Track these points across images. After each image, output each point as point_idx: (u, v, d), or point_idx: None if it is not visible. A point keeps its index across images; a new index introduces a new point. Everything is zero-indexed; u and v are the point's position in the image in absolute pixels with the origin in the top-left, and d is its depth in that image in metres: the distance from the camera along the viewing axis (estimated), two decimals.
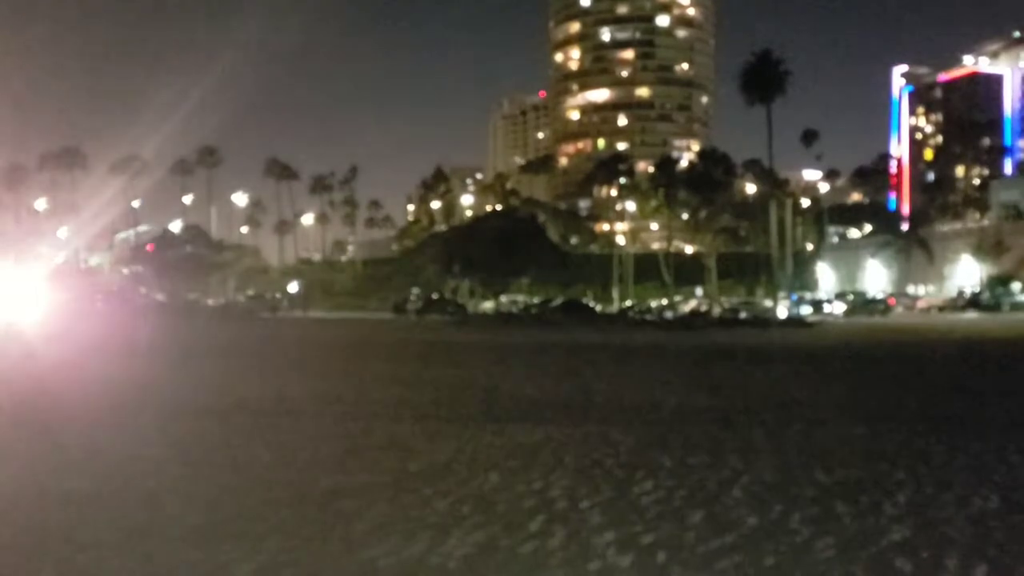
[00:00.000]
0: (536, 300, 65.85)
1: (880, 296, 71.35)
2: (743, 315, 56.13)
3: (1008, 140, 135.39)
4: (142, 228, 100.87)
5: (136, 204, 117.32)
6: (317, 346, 25.87)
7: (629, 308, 72.32)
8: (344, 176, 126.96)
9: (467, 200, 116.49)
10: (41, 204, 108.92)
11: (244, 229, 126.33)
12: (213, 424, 9.96)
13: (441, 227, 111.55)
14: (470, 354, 22.61)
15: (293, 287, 72.16)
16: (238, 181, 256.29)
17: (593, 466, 7.70)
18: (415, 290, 70.07)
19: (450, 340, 29.68)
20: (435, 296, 63.64)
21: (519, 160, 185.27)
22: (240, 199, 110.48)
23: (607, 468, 7.60)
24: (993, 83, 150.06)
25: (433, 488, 6.72)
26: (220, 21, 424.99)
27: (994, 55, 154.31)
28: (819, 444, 8.80)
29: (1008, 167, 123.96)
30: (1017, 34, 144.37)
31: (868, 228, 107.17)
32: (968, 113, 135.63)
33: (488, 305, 63.06)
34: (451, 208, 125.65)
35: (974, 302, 66.63)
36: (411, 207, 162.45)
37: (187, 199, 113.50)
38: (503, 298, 64.54)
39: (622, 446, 8.62)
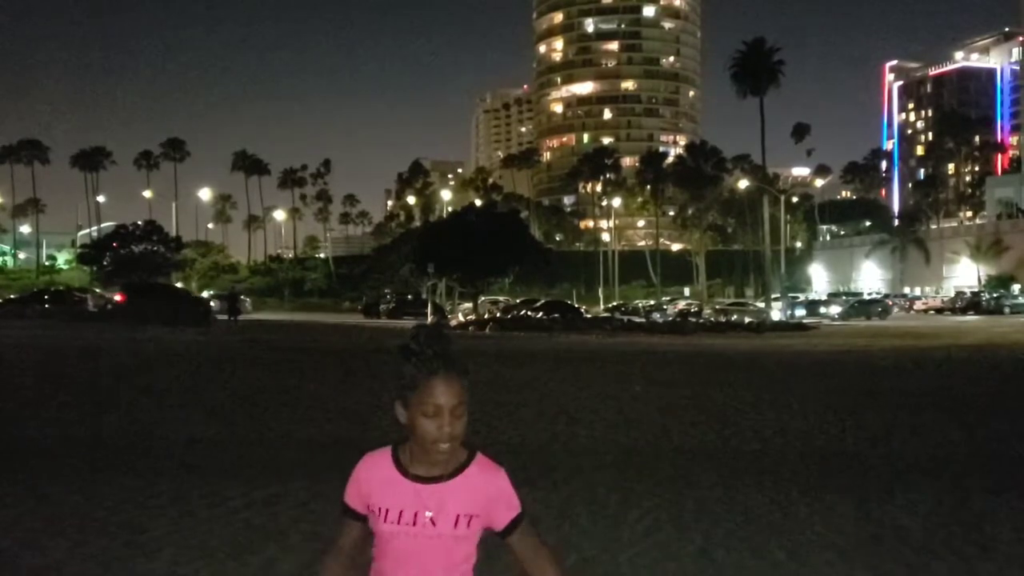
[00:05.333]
0: (518, 300, 62.45)
1: (878, 297, 68.54)
2: (735, 317, 53.03)
3: (1000, 136, 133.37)
4: (105, 224, 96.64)
5: (101, 199, 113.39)
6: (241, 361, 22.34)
7: (616, 309, 69.08)
8: (317, 169, 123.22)
9: (447, 195, 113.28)
10: None
11: (210, 225, 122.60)
12: None
13: (419, 223, 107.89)
14: None
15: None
16: (208, 176, 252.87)
17: None
18: (388, 290, 66.62)
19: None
20: (410, 297, 60.12)
21: (502, 154, 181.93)
22: (205, 194, 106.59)
23: None
24: (984, 78, 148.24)
25: None
26: (193, 11, 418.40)
27: (984, 51, 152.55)
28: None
29: (1000, 163, 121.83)
30: (1007, 29, 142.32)
31: (861, 225, 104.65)
32: (959, 109, 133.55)
33: (466, 306, 59.55)
34: (430, 203, 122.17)
35: (975, 304, 63.89)
36: (390, 203, 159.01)
37: (147, 193, 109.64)
38: (483, 298, 61.14)
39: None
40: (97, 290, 62.70)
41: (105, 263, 60.16)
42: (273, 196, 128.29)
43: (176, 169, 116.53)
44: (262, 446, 9.20)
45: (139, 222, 61.15)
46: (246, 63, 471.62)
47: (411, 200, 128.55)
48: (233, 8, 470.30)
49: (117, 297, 47.75)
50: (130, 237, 57.64)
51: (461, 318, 51.85)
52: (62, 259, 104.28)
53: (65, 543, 5.64)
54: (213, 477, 7.56)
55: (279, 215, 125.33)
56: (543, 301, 57.36)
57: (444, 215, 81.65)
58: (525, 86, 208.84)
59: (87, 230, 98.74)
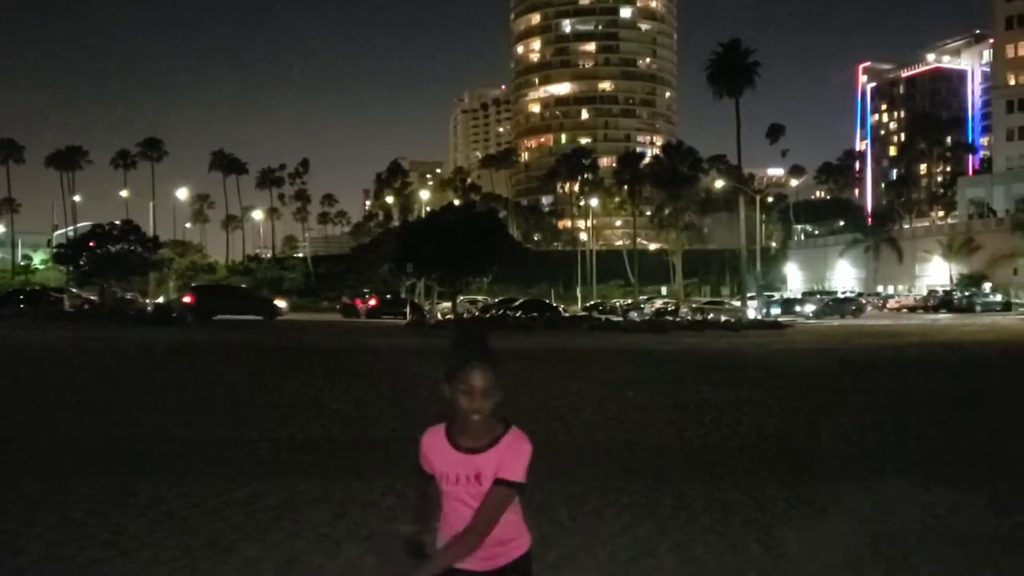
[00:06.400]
0: (497, 300, 62.44)
1: (852, 296, 69.18)
2: (711, 316, 53.33)
3: (971, 137, 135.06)
4: (82, 224, 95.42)
5: (77, 199, 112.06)
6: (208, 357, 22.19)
7: (594, 308, 69.24)
8: (295, 169, 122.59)
9: (425, 195, 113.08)
10: None
11: (188, 225, 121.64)
12: None
13: (397, 223, 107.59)
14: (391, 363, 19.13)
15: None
16: (186, 176, 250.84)
17: None
18: (366, 290, 66.42)
19: (388, 347, 26.11)
20: (388, 296, 59.99)
21: (480, 154, 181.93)
22: (182, 194, 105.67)
23: None
24: (956, 80, 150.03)
25: None
26: (171, 11, 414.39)
27: (956, 53, 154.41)
28: None
29: (971, 164, 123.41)
30: (978, 32, 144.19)
31: (835, 225, 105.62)
32: (931, 110, 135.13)
33: (445, 306, 59.51)
34: (409, 203, 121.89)
35: (947, 302, 64.66)
36: (368, 203, 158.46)
37: (124, 193, 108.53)
38: (461, 297, 61.12)
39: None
40: (73, 290, 61.98)
41: (81, 263, 59.37)
42: (251, 196, 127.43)
43: (153, 169, 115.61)
44: (241, 445, 9.16)
45: (116, 222, 60.29)
46: (224, 63, 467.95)
47: (390, 200, 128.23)
48: (210, 8, 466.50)
49: (187, 299, 48.99)
50: (107, 237, 56.79)
51: (440, 317, 51.76)
52: (38, 259, 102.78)
53: (41, 544, 5.61)
54: (192, 476, 7.53)
55: (257, 215, 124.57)
56: (522, 300, 57.43)
57: (423, 215, 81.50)
58: (503, 86, 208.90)
59: (63, 230, 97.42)
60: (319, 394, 13.77)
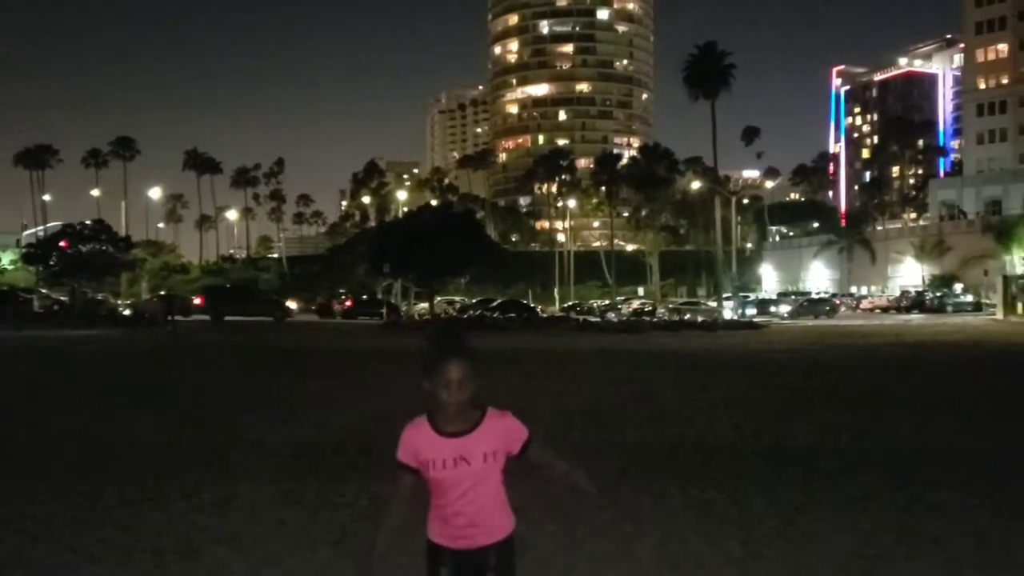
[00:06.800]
0: (474, 300, 62.39)
1: (826, 296, 69.80)
2: (687, 316, 53.60)
3: (942, 140, 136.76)
4: (52, 224, 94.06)
5: (47, 198, 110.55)
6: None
7: (571, 308, 69.35)
8: (270, 169, 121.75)
9: (402, 196, 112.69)
10: None
11: (161, 224, 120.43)
12: None
13: (374, 223, 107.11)
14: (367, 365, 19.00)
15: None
16: (159, 175, 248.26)
17: None
18: (342, 291, 66.11)
19: (360, 347, 25.93)
20: (364, 297, 59.74)
21: (457, 155, 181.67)
22: (155, 193, 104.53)
23: None
24: (927, 84, 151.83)
25: None
26: (144, 9, 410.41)
27: (927, 57, 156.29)
28: None
29: (942, 167, 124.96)
30: (949, 36, 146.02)
31: (809, 226, 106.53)
32: (903, 113, 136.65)
33: (422, 306, 59.39)
34: (385, 204, 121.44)
35: (919, 303, 65.40)
36: (345, 203, 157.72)
37: (95, 192, 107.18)
38: (438, 298, 61.01)
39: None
40: (43, 291, 61.19)
41: (52, 263, 58.57)
42: (226, 196, 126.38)
43: (126, 168, 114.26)
44: (211, 448, 9.02)
45: (87, 221, 59.52)
46: (198, 61, 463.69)
47: (366, 200, 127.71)
48: (184, 6, 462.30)
49: (196, 300, 48.40)
50: (77, 236, 56.10)
51: (417, 318, 51.58)
52: (6, 259, 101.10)
53: (7, 550, 5.47)
54: (162, 479, 7.40)
55: (232, 215, 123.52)
56: (499, 301, 57.40)
57: (399, 215, 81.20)
58: (480, 87, 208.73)
59: (33, 230, 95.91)
60: (291, 395, 13.63)
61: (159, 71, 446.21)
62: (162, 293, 62.40)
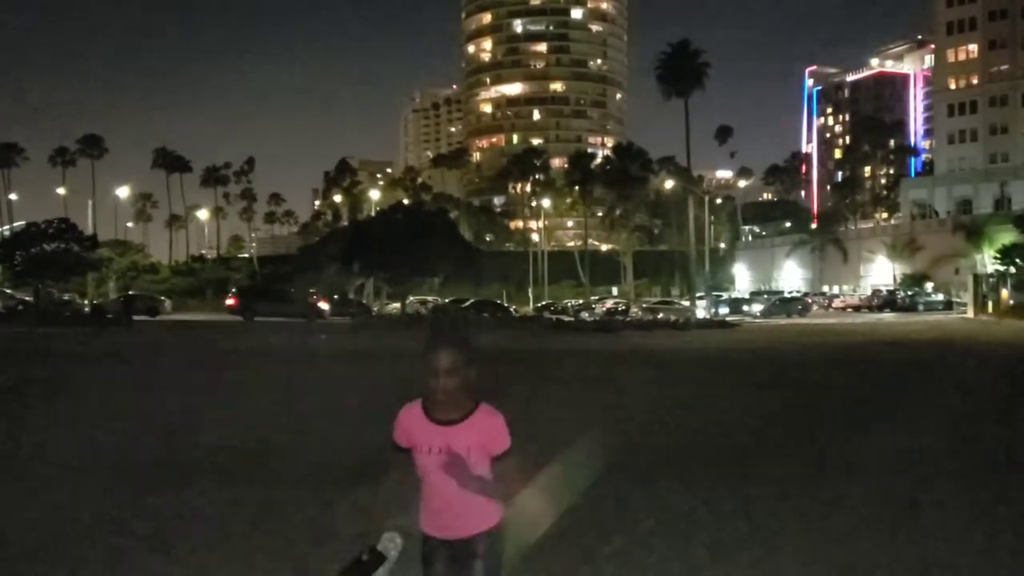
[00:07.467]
0: (447, 300, 61.92)
1: (799, 295, 70.20)
2: (661, 315, 53.61)
3: (913, 140, 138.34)
4: (18, 223, 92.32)
5: (13, 197, 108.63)
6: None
7: (545, 308, 69.15)
8: (241, 167, 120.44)
9: (375, 195, 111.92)
10: None
11: (130, 224, 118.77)
12: None
13: (347, 223, 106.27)
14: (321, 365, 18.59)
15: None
16: (128, 174, 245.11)
17: None
18: (313, 290, 65.28)
19: (323, 347, 25.45)
20: (335, 296, 58.99)
21: (431, 154, 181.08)
22: (123, 192, 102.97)
23: None
24: (899, 84, 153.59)
25: None
26: (110, 6, 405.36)
27: (899, 57, 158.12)
28: None
29: (913, 167, 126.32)
30: (920, 37, 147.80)
31: (781, 226, 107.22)
32: (875, 113, 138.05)
33: (395, 306, 58.88)
34: (358, 203, 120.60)
35: (890, 302, 65.89)
36: (317, 203, 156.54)
37: (61, 191, 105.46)
38: (412, 298, 60.48)
39: None
40: (7, 290, 60.05)
41: (16, 262, 57.42)
42: (196, 194, 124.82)
43: (94, 166, 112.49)
44: (155, 451, 8.60)
45: (52, 220, 58.35)
46: (167, 59, 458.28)
47: (338, 199, 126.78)
48: (151, 2, 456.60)
49: (229, 301, 48.41)
50: (41, 235, 54.90)
51: (391, 318, 51.11)
52: None
53: None
54: (105, 484, 7.00)
55: (202, 214, 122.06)
56: (472, 301, 57.04)
57: (372, 214, 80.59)
58: (454, 86, 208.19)
59: None
60: (238, 398, 13.22)
61: (128, 69, 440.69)
62: (130, 293, 61.48)
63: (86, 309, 54.07)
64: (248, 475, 7.43)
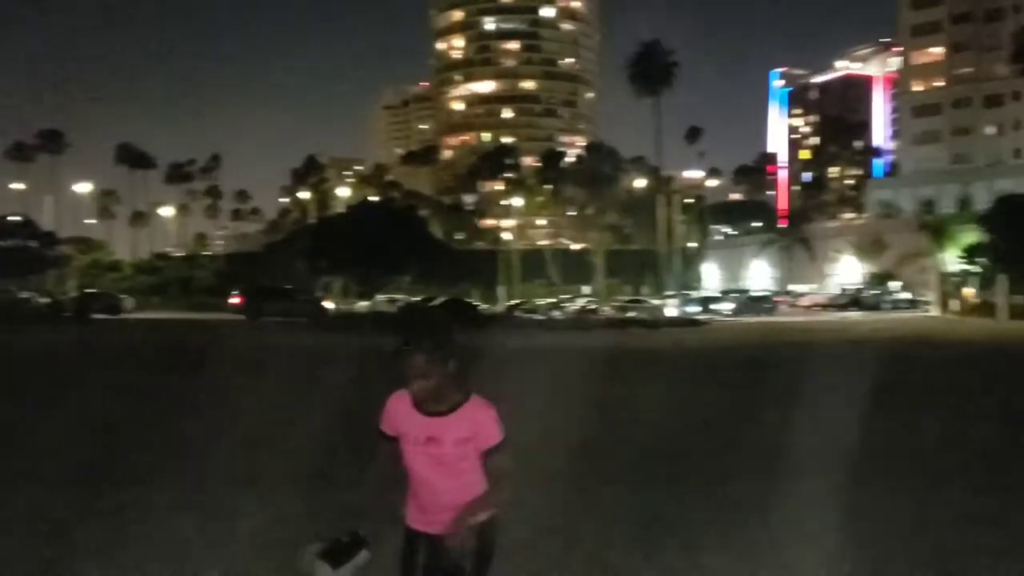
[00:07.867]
0: (416, 299, 61.42)
1: (766, 294, 70.70)
2: (631, 314, 53.66)
3: (877, 141, 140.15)
4: None
5: None
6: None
7: (515, 307, 68.93)
8: (206, 164, 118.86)
9: (344, 192, 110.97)
10: None
11: (92, 221, 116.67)
12: None
13: (315, 220, 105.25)
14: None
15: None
16: (90, 170, 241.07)
17: None
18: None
19: (279, 346, 25.02)
20: (304, 297, 58.18)
21: (401, 151, 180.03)
22: (84, 188, 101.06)
23: None
24: (864, 86, 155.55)
25: None
26: None
27: (865, 59, 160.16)
28: None
29: (878, 167, 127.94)
30: (886, 40, 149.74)
31: (750, 226, 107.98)
32: (842, 115, 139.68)
33: (363, 304, 58.31)
34: (326, 200, 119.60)
35: (856, 300, 66.60)
36: (286, 200, 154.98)
37: (19, 186, 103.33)
38: (380, 296, 59.91)
39: None
40: None
41: None
42: (160, 191, 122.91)
43: (54, 162, 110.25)
44: (108, 450, 8.24)
45: (9, 217, 57.29)
46: (132, 55, 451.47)
47: (306, 196, 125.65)
48: None
49: (234, 300, 48.25)
50: None
51: (349, 318, 50.54)
52: None
53: None
54: (53, 486, 6.64)
55: (167, 211, 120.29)
56: (441, 300, 56.63)
57: (341, 212, 79.78)
58: (425, 83, 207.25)
59: None
60: (196, 396, 12.85)
61: (90, 64, 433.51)
62: (87, 291, 60.58)
63: (45, 308, 52.97)
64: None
